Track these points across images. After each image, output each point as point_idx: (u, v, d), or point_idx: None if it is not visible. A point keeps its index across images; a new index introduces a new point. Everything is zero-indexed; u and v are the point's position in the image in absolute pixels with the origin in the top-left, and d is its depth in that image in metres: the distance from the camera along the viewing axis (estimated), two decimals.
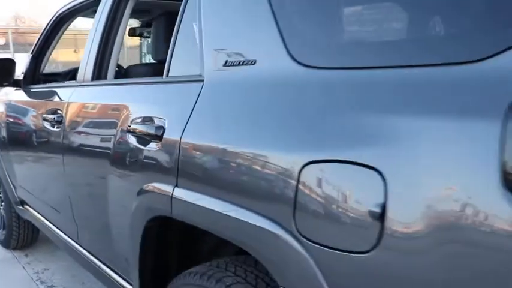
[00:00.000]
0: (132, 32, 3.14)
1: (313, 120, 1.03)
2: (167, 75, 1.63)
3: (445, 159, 0.80)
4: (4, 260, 3.41)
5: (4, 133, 3.10)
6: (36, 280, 3.06)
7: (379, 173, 0.87)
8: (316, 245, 0.98)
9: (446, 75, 0.85)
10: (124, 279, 1.88)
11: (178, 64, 1.62)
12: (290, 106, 1.11)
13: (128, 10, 2.17)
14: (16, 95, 3.04)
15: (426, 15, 0.99)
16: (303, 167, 1.00)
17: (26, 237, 3.47)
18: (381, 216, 0.87)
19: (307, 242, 1.00)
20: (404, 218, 0.84)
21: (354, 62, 1.04)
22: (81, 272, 2.92)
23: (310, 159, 1.00)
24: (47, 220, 2.71)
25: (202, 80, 1.41)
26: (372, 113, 0.94)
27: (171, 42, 1.64)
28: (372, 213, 0.88)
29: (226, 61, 1.33)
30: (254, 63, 1.25)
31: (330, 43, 1.15)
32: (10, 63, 2.92)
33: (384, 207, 0.86)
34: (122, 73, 2.94)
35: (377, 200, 0.87)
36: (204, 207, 1.26)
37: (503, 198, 0.73)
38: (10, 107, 3.05)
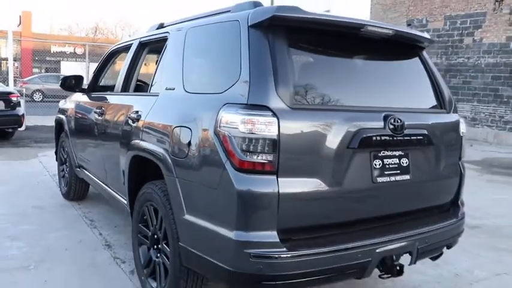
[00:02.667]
0: None
1: (181, 110, 2.64)
2: (149, 91, 3.30)
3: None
4: (64, 205, 5.22)
5: (72, 123, 4.92)
6: (83, 217, 4.81)
7: (190, 128, 2.45)
8: (174, 157, 2.57)
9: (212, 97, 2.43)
10: (123, 198, 3.52)
11: (153, 85, 3.29)
12: (178, 106, 2.73)
13: (144, 53, 3.87)
14: (82, 98, 4.84)
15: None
16: (174, 127, 2.60)
17: (79, 192, 5.25)
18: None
19: (173, 157, 2.59)
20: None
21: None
22: (112, 215, 4.63)
23: (178, 125, 2.59)
24: (91, 174, 4.45)
25: (158, 95, 3.05)
26: None
27: (153, 73, 3.32)
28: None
29: (166, 87, 2.97)
30: (174, 89, 2.87)
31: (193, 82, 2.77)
32: (80, 78, 4.74)
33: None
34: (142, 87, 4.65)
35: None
36: (147, 148, 2.89)
37: None
38: (77, 105, 4.86)
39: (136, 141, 3.11)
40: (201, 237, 2.42)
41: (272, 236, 2.19)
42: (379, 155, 2.52)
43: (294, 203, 2.26)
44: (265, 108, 2.20)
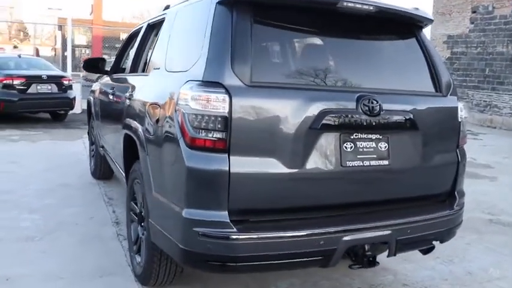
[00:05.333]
0: None
1: (157, 89, 2.64)
2: (145, 71, 3.34)
3: None
4: (90, 183, 5.47)
5: (97, 104, 5.11)
6: (103, 195, 5.01)
7: (159, 106, 2.45)
8: (146, 135, 2.58)
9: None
10: (121, 169, 3.61)
11: (148, 66, 3.32)
12: (156, 85, 2.73)
13: (151, 35, 3.91)
14: (104, 80, 5.00)
15: None
16: (148, 106, 2.61)
17: (105, 171, 5.45)
18: None
19: (146, 135, 2.60)
20: None
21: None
22: None
23: (151, 102, 2.60)
24: (108, 153, 4.61)
25: (148, 75, 3.08)
26: None
27: (150, 54, 3.35)
28: None
29: (154, 67, 2.99)
30: (159, 69, 2.88)
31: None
32: (102, 60, 4.90)
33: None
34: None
35: None
36: (131, 126, 2.92)
37: None
38: (100, 87, 5.03)
39: (126, 120, 3.17)
40: (163, 214, 2.43)
41: (222, 215, 2.14)
42: (351, 137, 2.37)
43: (248, 183, 2.19)
44: (218, 85, 2.15)
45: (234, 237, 2.14)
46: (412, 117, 2.51)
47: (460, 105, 2.79)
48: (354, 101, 2.34)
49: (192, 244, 2.17)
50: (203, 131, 2.14)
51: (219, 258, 2.16)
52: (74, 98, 10.10)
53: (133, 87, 3.31)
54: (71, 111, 10.45)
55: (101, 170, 5.48)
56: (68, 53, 12.67)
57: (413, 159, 2.58)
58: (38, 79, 9.36)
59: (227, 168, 2.13)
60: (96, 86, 5.37)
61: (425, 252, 2.80)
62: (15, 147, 7.50)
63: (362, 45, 2.70)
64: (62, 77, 9.90)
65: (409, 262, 3.51)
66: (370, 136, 2.42)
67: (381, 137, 2.45)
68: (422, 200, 2.71)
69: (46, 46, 42.44)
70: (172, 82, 2.50)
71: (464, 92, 13.59)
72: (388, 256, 2.52)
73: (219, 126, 2.12)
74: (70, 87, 9.89)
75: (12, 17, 52.69)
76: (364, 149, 2.41)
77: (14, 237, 3.70)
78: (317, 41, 2.56)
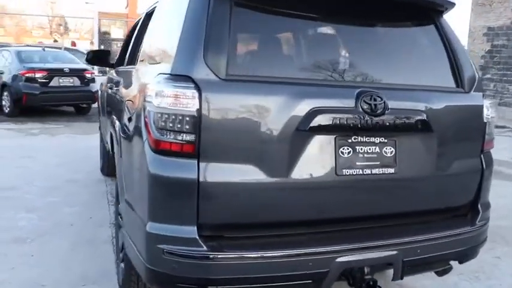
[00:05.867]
0: None
1: (135, 83, 2.35)
2: (135, 63, 3.06)
3: None
4: (98, 180, 5.29)
5: (100, 100, 4.90)
6: (108, 193, 4.79)
7: (132, 102, 2.16)
8: (121, 134, 2.30)
9: None
10: None
11: (137, 58, 3.04)
12: (136, 79, 2.44)
13: (146, 27, 3.64)
14: (110, 73, 4.79)
15: None
16: (125, 102, 2.32)
17: (111, 167, 5.24)
18: None
19: (120, 134, 2.32)
20: None
21: None
22: None
23: (127, 99, 2.31)
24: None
25: (134, 68, 2.79)
26: None
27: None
28: None
29: (140, 59, 2.70)
30: (143, 61, 2.59)
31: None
32: (105, 53, 4.67)
33: None
34: None
35: None
36: (114, 123, 2.65)
37: None
38: (105, 81, 4.82)
39: (112, 116, 2.91)
40: (132, 224, 2.14)
41: (189, 231, 1.83)
42: (349, 141, 2.01)
43: (222, 194, 1.87)
44: (187, 78, 1.83)
45: (204, 256, 1.83)
46: (425, 117, 2.12)
47: (486, 103, 2.37)
48: (353, 98, 1.98)
49: (156, 263, 1.88)
50: (169, 132, 1.82)
51: (187, 280, 1.86)
52: (97, 91, 10.01)
53: (120, 82, 3.05)
54: (94, 105, 10.39)
55: (109, 167, 5.25)
56: (95, 46, 12.69)
57: (426, 166, 2.19)
58: (60, 72, 9.34)
59: (195, 177, 1.82)
60: (103, 80, 5.17)
61: (441, 273, 2.41)
62: (34, 140, 7.46)
63: (365, 31, 2.31)
64: (85, 70, 9.85)
65: (428, 278, 3.09)
66: (372, 139, 2.05)
67: (386, 140, 2.08)
68: (438, 214, 2.31)
69: (84, 40, 43.31)
70: (147, 76, 2.21)
71: (505, 87, 12.72)
72: (393, 280, 2.15)
73: (187, 127, 1.81)
74: (92, 80, 9.83)
75: (53, 12, 54.11)
76: (365, 155, 2.04)
77: (5, 238, 3.53)
78: (309, 26, 2.20)
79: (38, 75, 9.09)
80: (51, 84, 9.23)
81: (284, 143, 1.89)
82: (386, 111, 2.02)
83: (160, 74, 1.94)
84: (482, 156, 2.37)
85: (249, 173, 1.88)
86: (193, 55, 1.86)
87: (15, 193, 4.65)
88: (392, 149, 2.09)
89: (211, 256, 1.83)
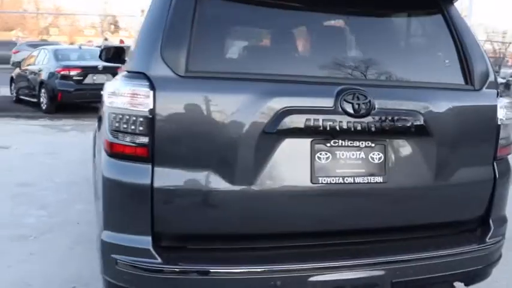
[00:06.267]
0: None
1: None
2: None
3: None
4: None
5: None
6: None
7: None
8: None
9: None
10: None
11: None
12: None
13: None
14: None
15: None
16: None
17: None
18: None
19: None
20: None
21: None
22: None
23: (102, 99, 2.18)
24: None
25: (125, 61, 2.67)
26: None
27: None
28: None
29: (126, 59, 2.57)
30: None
31: None
32: (120, 50, 4.61)
33: None
34: None
35: None
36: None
37: None
38: None
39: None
40: (97, 232, 2.01)
41: (143, 241, 1.68)
42: (327, 145, 1.78)
43: (179, 202, 1.71)
44: (141, 76, 1.67)
45: (156, 269, 1.66)
46: (421, 118, 1.85)
47: (502, 102, 2.06)
48: (332, 97, 1.75)
49: (110, 274, 1.74)
50: (122, 134, 1.67)
51: None
52: None
53: None
54: None
55: None
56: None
57: (423, 175, 1.91)
58: (94, 69, 9.49)
59: (149, 182, 1.66)
60: None
61: None
62: (64, 137, 7.62)
63: (350, 18, 2.05)
64: (118, 67, 9.94)
65: None
66: (356, 144, 1.81)
67: (373, 144, 1.83)
68: (438, 229, 2.03)
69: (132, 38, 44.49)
70: (117, 75, 2.09)
71: None
72: None
73: (140, 128, 1.65)
74: None
75: (106, 11, 56.03)
76: (348, 161, 1.80)
77: (10, 235, 3.53)
78: (281, 16, 1.96)
79: (72, 72, 9.29)
80: (86, 81, 9.40)
81: (249, 147, 1.69)
82: (373, 112, 1.77)
83: (126, 71, 1.81)
84: (494, 163, 2.07)
85: (209, 180, 1.69)
86: (150, 50, 1.71)
87: (32, 189, 4.70)
88: (381, 154, 1.84)
89: (165, 269, 1.67)
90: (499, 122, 2.04)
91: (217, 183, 1.70)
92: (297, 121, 1.71)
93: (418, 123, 1.85)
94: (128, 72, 1.74)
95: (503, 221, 2.15)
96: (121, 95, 1.67)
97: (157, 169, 1.66)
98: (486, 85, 2.03)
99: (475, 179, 2.03)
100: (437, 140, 1.90)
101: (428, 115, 1.87)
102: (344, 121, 1.74)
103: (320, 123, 1.72)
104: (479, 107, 2.03)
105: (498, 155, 2.07)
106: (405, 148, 1.89)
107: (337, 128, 1.74)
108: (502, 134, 2.05)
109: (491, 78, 2.04)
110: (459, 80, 2.03)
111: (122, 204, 1.70)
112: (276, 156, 1.73)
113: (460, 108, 1.98)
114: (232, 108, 1.68)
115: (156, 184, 1.66)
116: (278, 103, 1.70)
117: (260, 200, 1.75)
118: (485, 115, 2.03)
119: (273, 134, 1.70)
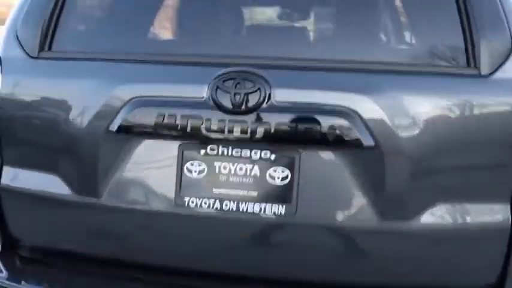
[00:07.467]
0: None
1: None
2: None
3: None
4: None
5: None
6: None
7: None
8: None
9: None
10: None
11: None
12: None
13: None
14: None
15: None
16: None
17: None
18: None
19: None
20: None
21: None
22: None
23: None
24: None
25: None
26: None
27: None
28: None
29: None
30: None
31: None
32: None
33: None
34: None
35: None
36: None
37: None
38: None
39: None
40: None
41: None
42: (201, 152, 1.24)
43: (28, 208, 1.42)
44: None
45: None
46: (358, 119, 1.16)
47: None
48: (206, 83, 1.21)
49: None
50: None
51: None
52: None
53: None
54: None
55: None
56: None
57: (364, 208, 1.21)
58: None
59: None
60: None
61: None
62: None
63: None
64: None
65: None
66: (246, 153, 1.23)
67: (274, 156, 1.22)
68: None
69: None
70: None
71: None
72: None
73: None
74: None
75: None
76: (232, 178, 1.23)
77: None
78: None
79: None
80: None
81: (92, 149, 1.28)
82: (266, 106, 1.18)
83: None
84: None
85: (51, 184, 1.35)
86: (9, 29, 1.45)
87: None
88: (287, 172, 1.21)
89: (5, 285, 1.40)
90: None
91: (58, 189, 1.34)
92: (148, 116, 1.23)
93: (350, 126, 1.16)
94: None
95: None
96: None
97: (5, 168, 1.40)
98: (501, 68, 1.19)
99: (475, 225, 1.22)
100: (390, 153, 1.18)
101: (374, 115, 1.17)
102: (215, 119, 1.19)
103: (186, 121, 1.21)
104: (483, 102, 1.20)
105: None
106: (332, 165, 1.22)
107: (210, 128, 1.20)
108: None
109: (507, 58, 1.19)
110: (460, 59, 1.24)
111: None
112: (130, 163, 1.28)
113: (448, 105, 1.19)
114: (76, 98, 1.30)
115: (3, 182, 1.40)
116: (125, 91, 1.24)
117: (105, 217, 1.33)
118: (492, 116, 1.20)
119: (119, 133, 1.25)
